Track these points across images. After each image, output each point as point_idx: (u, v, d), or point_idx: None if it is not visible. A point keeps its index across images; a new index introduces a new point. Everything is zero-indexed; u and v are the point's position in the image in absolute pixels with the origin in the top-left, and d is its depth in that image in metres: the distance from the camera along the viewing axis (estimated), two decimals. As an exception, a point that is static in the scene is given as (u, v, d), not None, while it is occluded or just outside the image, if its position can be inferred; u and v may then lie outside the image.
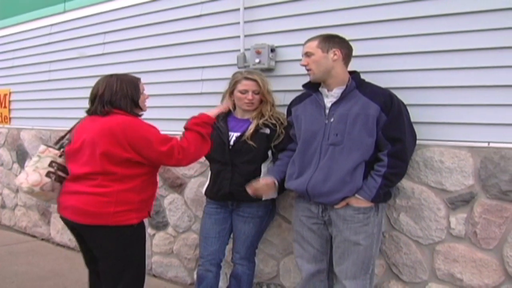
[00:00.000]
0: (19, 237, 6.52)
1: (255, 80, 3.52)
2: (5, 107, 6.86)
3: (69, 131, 3.27)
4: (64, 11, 5.88)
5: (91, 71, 5.45)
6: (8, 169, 6.85)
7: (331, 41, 3.03)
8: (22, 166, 6.57)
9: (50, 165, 3.09)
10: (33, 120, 6.37)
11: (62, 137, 3.31)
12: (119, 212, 2.93)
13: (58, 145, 3.25)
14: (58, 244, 6.06)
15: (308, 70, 3.09)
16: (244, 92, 3.53)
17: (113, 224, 2.93)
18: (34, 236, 6.45)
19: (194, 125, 3.22)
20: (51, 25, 6.08)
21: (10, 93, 6.79)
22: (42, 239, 6.32)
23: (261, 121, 3.50)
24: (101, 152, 2.91)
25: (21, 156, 6.58)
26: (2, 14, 6.97)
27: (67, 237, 5.88)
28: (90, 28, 5.52)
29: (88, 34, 5.55)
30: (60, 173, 3.10)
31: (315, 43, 3.04)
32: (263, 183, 3.30)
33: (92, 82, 5.32)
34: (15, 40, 6.69)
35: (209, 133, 3.26)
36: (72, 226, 3.09)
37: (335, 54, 3.00)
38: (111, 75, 3.22)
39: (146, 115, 4.77)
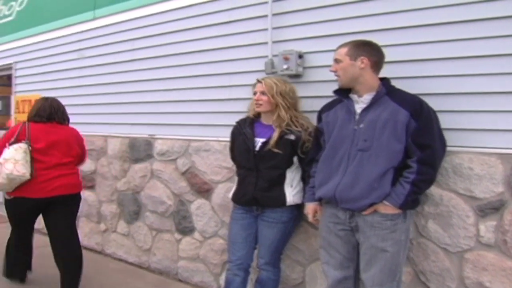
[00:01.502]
0: (46, 240, 6.56)
1: (263, 82, 3.62)
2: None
3: (18, 136, 4.27)
4: (94, 18, 5.97)
5: (120, 77, 5.54)
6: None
7: (361, 49, 3.03)
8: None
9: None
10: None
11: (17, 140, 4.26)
12: (80, 181, 4.62)
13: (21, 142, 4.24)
14: (85, 248, 6.09)
15: (336, 76, 3.11)
16: (254, 93, 3.65)
17: (80, 190, 4.55)
18: (62, 240, 6.51)
19: None
20: (81, 32, 6.17)
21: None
22: (70, 243, 6.37)
23: (284, 125, 3.52)
24: (75, 148, 4.52)
25: (51, 160, 6.66)
26: (34, 21, 7.11)
27: (94, 241, 5.97)
28: (119, 34, 5.59)
29: (117, 41, 5.62)
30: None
31: (344, 50, 3.05)
32: (313, 218, 3.39)
33: (122, 88, 5.47)
34: (46, 47, 6.81)
35: None
36: (49, 203, 4.27)
37: (362, 62, 3.00)
38: (49, 98, 4.68)
39: (175, 120, 4.86)
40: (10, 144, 4.21)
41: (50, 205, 4.29)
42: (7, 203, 4.34)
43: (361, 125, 3.00)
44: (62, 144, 4.39)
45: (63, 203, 4.33)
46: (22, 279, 4.83)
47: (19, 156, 4.11)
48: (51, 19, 6.73)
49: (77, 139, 4.65)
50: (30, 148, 4.19)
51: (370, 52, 3.03)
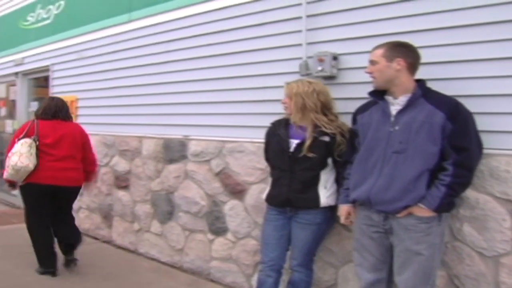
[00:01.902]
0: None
1: (286, 85, 3.69)
2: (72, 113, 7.10)
3: (28, 132, 4.93)
4: (129, 21, 6.05)
5: (155, 79, 5.61)
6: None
7: (397, 50, 3.02)
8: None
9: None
10: (98, 126, 6.56)
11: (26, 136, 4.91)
12: (83, 177, 5.22)
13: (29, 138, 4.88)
14: (118, 247, 6.21)
15: (372, 77, 3.11)
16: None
17: (80, 185, 5.22)
18: (96, 238, 6.63)
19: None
20: (116, 34, 6.27)
21: (77, 99, 7.04)
22: (104, 241, 6.48)
23: (316, 126, 3.53)
24: (81, 143, 5.16)
25: (86, 160, 6.78)
26: (71, 24, 7.25)
27: (128, 240, 6.05)
28: (154, 36, 5.66)
29: (152, 43, 5.69)
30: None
31: (380, 52, 3.05)
32: (346, 220, 3.39)
33: (156, 90, 5.53)
34: (82, 49, 6.94)
35: None
36: (55, 191, 4.91)
37: (398, 64, 2.99)
38: (54, 98, 5.42)
39: (209, 121, 4.90)
40: (19, 140, 4.88)
41: (58, 192, 4.95)
42: (22, 189, 5.03)
43: (397, 127, 2.99)
44: (68, 138, 5.04)
45: (68, 192, 5.10)
46: (53, 272, 5.09)
47: (24, 150, 4.76)
48: (87, 21, 6.85)
49: (83, 134, 5.29)
50: (36, 142, 4.86)
51: (406, 53, 3.02)
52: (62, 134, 5.00)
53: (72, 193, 5.21)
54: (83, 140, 5.23)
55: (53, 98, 5.38)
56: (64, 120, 5.14)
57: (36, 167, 4.80)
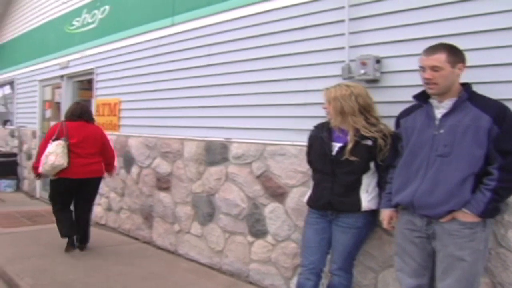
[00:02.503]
0: (122, 239, 6.82)
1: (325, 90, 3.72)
2: (114, 115, 7.25)
3: (58, 134, 5.79)
4: (172, 25, 6.14)
5: (197, 82, 5.67)
6: (115, 174, 7.20)
7: (457, 54, 2.96)
8: (128, 171, 6.91)
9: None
10: (140, 128, 6.70)
11: (57, 137, 5.76)
12: (103, 169, 6.10)
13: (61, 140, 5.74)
14: (158, 248, 6.28)
15: (431, 84, 3.00)
16: None
17: (102, 175, 6.12)
18: (136, 239, 6.73)
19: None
20: (159, 37, 6.36)
21: (120, 102, 7.17)
22: (144, 242, 6.57)
23: (357, 130, 3.52)
24: (101, 142, 6.04)
25: (128, 162, 6.93)
26: (115, 28, 7.40)
27: (168, 241, 6.12)
28: (196, 40, 5.73)
29: (194, 46, 5.76)
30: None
31: (443, 57, 2.94)
32: (388, 224, 3.37)
33: (198, 92, 5.61)
34: (125, 52, 7.08)
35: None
36: (80, 183, 5.81)
37: (459, 69, 2.95)
38: (80, 102, 6.61)
39: (251, 124, 4.93)
40: (53, 140, 5.74)
41: (83, 183, 5.85)
42: (52, 182, 5.95)
43: (441, 131, 2.96)
44: (91, 138, 5.95)
45: (90, 183, 5.96)
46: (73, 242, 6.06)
47: (59, 150, 5.63)
48: (131, 25, 6.99)
49: (103, 135, 6.17)
50: (67, 143, 5.71)
51: (463, 57, 2.98)
52: (85, 135, 5.91)
53: (95, 182, 6.08)
54: (102, 140, 6.11)
55: (78, 103, 6.51)
56: (87, 122, 6.06)
57: (68, 165, 5.69)
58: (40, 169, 5.77)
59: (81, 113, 6.03)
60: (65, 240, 6.01)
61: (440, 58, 2.94)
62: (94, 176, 5.98)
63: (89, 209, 6.20)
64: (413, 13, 3.69)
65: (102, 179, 6.23)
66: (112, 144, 7.15)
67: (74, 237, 6.06)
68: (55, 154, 5.59)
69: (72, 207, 6.10)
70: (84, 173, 5.81)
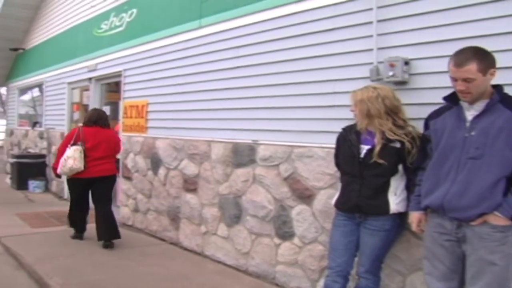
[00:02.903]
0: (149, 239, 6.88)
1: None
2: (142, 117, 7.32)
3: (76, 138, 6.35)
4: (200, 27, 6.18)
5: (224, 84, 5.69)
6: (143, 176, 7.27)
7: (487, 61, 2.89)
8: (155, 173, 6.97)
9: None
10: (168, 130, 6.74)
11: (75, 142, 6.32)
12: (115, 168, 6.67)
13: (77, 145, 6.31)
14: (185, 249, 6.32)
15: (464, 93, 2.95)
16: None
17: (115, 173, 6.63)
18: (163, 240, 6.78)
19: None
20: (187, 40, 6.41)
21: (147, 104, 7.23)
22: (171, 243, 6.61)
23: (384, 132, 3.51)
24: (114, 146, 6.56)
25: (155, 164, 6.98)
26: (142, 31, 7.48)
27: (194, 242, 6.16)
28: (224, 42, 5.75)
29: (222, 48, 5.78)
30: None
31: (474, 67, 2.86)
32: (417, 227, 3.34)
33: (226, 95, 5.63)
34: (153, 55, 7.15)
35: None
36: (94, 181, 6.36)
37: (491, 75, 2.90)
38: (97, 109, 7.22)
39: (278, 126, 4.94)
40: (71, 145, 6.28)
41: (95, 182, 6.37)
42: (69, 181, 6.58)
43: (473, 133, 2.92)
44: (104, 142, 6.44)
45: (102, 180, 6.41)
46: (81, 232, 6.71)
47: (77, 155, 6.20)
48: (158, 28, 7.05)
49: (116, 139, 6.73)
50: (84, 148, 6.26)
51: (493, 61, 2.92)
52: (100, 140, 6.41)
53: (107, 180, 6.49)
54: (115, 144, 6.64)
55: (96, 109, 7.06)
56: (102, 127, 6.54)
57: (84, 168, 6.26)
58: (58, 171, 6.38)
59: (96, 119, 6.54)
60: (93, 241, 6.26)
61: (471, 69, 2.87)
62: (105, 175, 6.43)
63: (109, 208, 6.48)
64: (443, 14, 3.66)
65: (115, 178, 6.74)
66: (139, 146, 7.26)
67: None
68: (73, 159, 6.18)
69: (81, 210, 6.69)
70: (95, 172, 6.33)
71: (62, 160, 6.27)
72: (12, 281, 5.25)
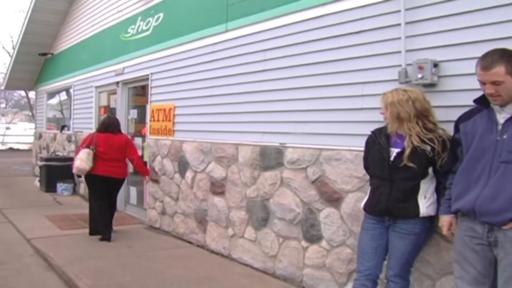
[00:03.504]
0: (176, 242, 6.92)
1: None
2: (169, 120, 7.37)
3: (90, 143, 7.11)
4: (226, 30, 6.20)
5: (252, 87, 5.70)
6: (170, 179, 7.32)
7: None
8: (183, 176, 7.01)
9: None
10: (195, 133, 6.78)
11: (87, 146, 7.08)
12: (126, 172, 7.35)
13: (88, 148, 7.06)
14: (212, 251, 6.34)
15: (494, 96, 2.92)
16: None
17: (125, 177, 7.41)
18: (190, 243, 6.82)
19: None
20: (213, 44, 6.43)
21: (174, 107, 7.28)
22: (198, 246, 6.65)
23: (413, 135, 3.48)
24: (123, 150, 7.15)
25: (183, 167, 7.02)
26: (169, 35, 7.54)
27: (221, 245, 6.18)
28: (251, 46, 5.76)
29: (249, 52, 5.80)
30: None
31: (501, 70, 2.83)
32: (448, 231, 3.31)
33: (253, 98, 5.63)
34: (180, 58, 7.19)
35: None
36: (105, 180, 7.04)
37: None
38: (110, 116, 8.09)
39: (306, 129, 4.93)
40: (84, 148, 7.04)
41: (107, 180, 7.08)
42: (86, 178, 7.21)
43: (505, 136, 2.89)
44: (114, 147, 7.11)
45: (114, 181, 7.19)
46: (107, 237, 6.93)
47: (84, 157, 6.95)
48: (185, 32, 7.09)
49: (126, 143, 7.29)
50: (94, 151, 7.02)
51: None
52: (110, 145, 7.11)
53: (117, 182, 7.27)
54: (126, 147, 7.20)
55: (109, 117, 7.90)
56: (113, 133, 7.22)
57: (94, 166, 6.99)
58: (74, 170, 7.28)
59: (107, 126, 7.29)
60: (121, 244, 6.48)
61: (499, 71, 2.84)
62: (115, 177, 7.15)
63: (112, 203, 7.32)
64: (471, 15, 3.62)
65: (123, 181, 7.51)
66: (166, 149, 7.30)
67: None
68: (80, 160, 6.96)
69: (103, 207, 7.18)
70: (106, 172, 7.03)
71: (74, 160, 7.27)
72: (42, 282, 5.33)
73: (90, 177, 7.11)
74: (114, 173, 7.11)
